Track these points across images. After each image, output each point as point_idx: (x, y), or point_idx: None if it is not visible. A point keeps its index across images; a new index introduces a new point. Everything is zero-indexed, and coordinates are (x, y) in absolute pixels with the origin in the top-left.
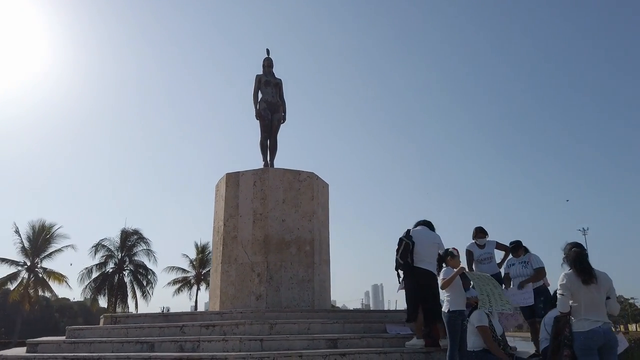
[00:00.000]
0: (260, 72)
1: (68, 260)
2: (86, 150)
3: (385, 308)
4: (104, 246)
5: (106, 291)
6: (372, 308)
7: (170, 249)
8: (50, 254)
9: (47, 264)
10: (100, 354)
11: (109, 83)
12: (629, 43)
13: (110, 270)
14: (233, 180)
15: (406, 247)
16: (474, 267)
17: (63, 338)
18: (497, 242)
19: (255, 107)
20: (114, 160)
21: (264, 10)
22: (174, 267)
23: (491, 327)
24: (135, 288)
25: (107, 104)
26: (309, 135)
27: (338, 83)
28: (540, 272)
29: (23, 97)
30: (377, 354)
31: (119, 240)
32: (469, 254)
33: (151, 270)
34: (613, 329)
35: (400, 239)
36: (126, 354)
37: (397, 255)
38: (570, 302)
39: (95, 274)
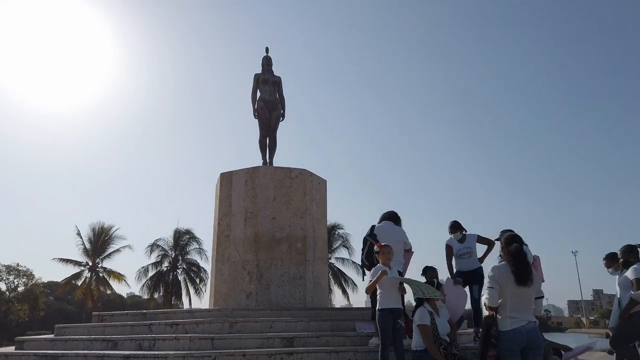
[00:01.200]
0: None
1: (126, 260)
2: (142, 153)
3: None
4: (158, 246)
5: (161, 289)
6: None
7: None
8: (110, 254)
9: (107, 263)
10: (66, 352)
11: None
12: None
13: (165, 268)
14: (227, 179)
15: (370, 248)
16: (453, 262)
17: (51, 336)
18: (478, 236)
19: (253, 106)
20: (168, 162)
21: (264, 9)
22: None
23: (434, 327)
24: (189, 285)
25: (161, 104)
26: (334, 134)
27: (351, 80)
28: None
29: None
30: (327, 353)
31: (172, 240)
32: (448, 249)
33: (203, 268)
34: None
35: (365, 238)
36: (85, 351)
37: (362, 255)
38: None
39: (151, 273)
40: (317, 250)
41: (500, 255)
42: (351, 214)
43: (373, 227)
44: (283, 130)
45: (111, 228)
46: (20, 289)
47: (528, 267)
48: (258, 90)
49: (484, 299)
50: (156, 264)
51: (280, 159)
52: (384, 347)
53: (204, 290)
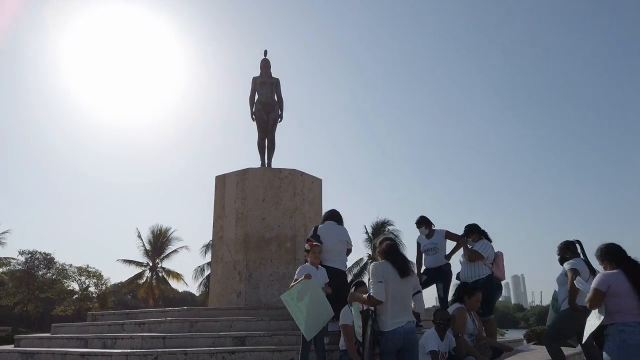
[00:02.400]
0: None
1: (183, 260)
2: (193, 157)
3: (529, 300)
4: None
5: None
6: (513, 301)
7: None
8: (168, 254)
9: (165, 263)
10: (41, 349)
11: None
12: None
13: None
14: (220, 182)
15: None
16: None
17: (48, 334)
18: (447, 232)
19: (251, 109)
20: (215, 167)
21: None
22: None
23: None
24: None
25: (220, 106)
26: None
27: (355, 81)
28: (475, 255)
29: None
30: (270, 352)
31: None
32: (418, 245)
33: None
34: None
35: (308, 239)
36: (57, 349)
37: (305, 257)
38: None
39: (207, 272)
40: None
41: (462, 256)
42: (403, 209)
43: (316, 227)
44: (303, 131)
45: (169, 230)
46: (91, 288)
47: (406, 259)
48: (256, 93)
49: (370, 292)
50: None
51: (296, 160)
52: (303, 347)
53: None
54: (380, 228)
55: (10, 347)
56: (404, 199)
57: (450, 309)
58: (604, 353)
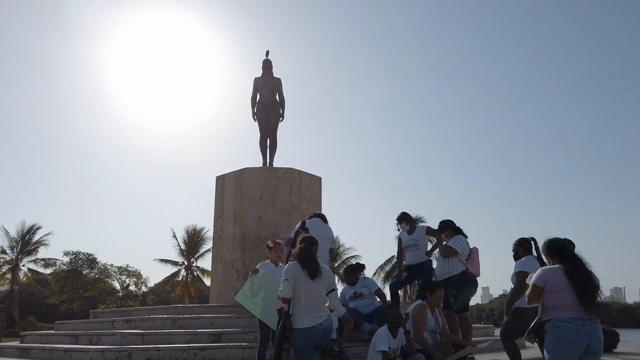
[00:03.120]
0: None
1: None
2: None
3: None
4: None
5: None
6: None
7: None
8: (202, 253)
9: (200, 262)
10: (34, 345)
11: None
12: None
13: None
14: (220, 182)
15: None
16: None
17: (51, 331)
18: (428, 227)
19: (252, 110)
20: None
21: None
22: None
23: None
24: None
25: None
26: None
27: (361, 80)
28: (448, 251)
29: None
30: (241, 348)
31: None
32: (399, 241)
33: None
34: None
35: (297, 231)
36: (47, 345)
37: (292, 247)
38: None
39: None
40: None
41: (437, 251)
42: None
43: (304, 222)
44: (323, 131)
45: (203, 230)
46: (131, 287)
47: (316, 262)
48: (258, 94)
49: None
50: None
51: (322, 159)
52: (260, 344)
53: None
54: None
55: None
56: (440, 195)
57: (412, 306)
58: (544, 349)
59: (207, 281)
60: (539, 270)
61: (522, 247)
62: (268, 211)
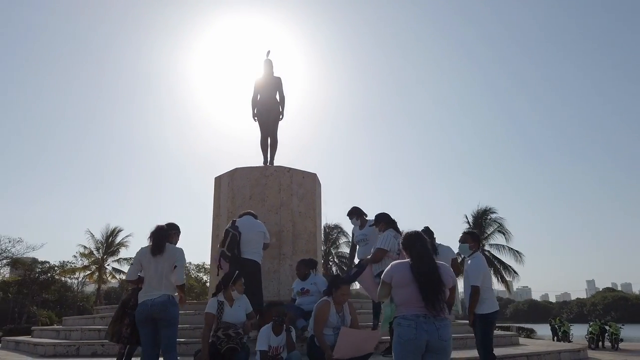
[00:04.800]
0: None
1: None
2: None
3: None
4: None
5: None
6: None
7: None
8: None
9: None
10: (28, 339)
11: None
12: None
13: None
14: (217, 183)
15: (233, 239)
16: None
17: (59, 327)
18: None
19: (253, 110)
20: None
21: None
22: None
23: (220, 315)
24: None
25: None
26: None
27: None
28: (377, 253)
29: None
30: (186, 345)
31: (323, 234)
32: (353, 236)
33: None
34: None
35: (227, 230)
36: (38, 339)
37: (222, 246)
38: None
39: None
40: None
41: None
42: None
43: (234, 220)
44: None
45: None
46: (208, 284)
47: (158, 243)
48: (258, 95)
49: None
50: None
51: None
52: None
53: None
54: (481, 217)
55: (28, 337)
56: (511, 185)
57: (318, 302)
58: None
59: None
60: (389, 266)
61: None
62: (257, 209)
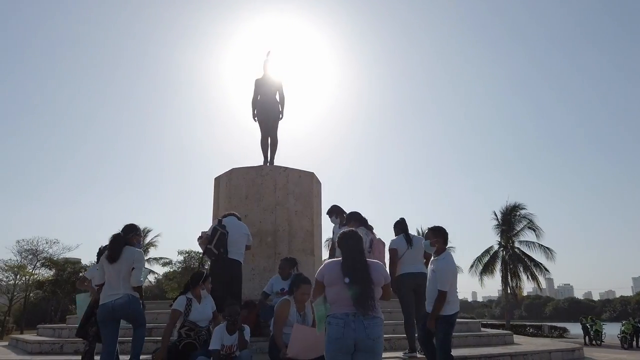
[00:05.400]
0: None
1: None
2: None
3: None
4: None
5: None
6: None
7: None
8: None
9: None
10: (27, 337)
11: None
12: None
13: None
14: (217, 183)
15: (221, 237)
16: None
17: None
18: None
19: (253, 111)
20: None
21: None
22: None
23: (187, 312)
24: None
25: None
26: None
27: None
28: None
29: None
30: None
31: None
32: (333, 234)
33: None
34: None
35: (215, 228)
36: (30, 337)
37: (209, 245)
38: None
39: None
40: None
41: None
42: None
43: (220, 220)
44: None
45: None
46: None
47: (114, 249)
48: (259, 95)
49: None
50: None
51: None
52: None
53: None
54: (510, 213)
55: (32, 335)
56: (541, 181)
57: (279, 301)
58: None
59: None
60: (322, 265)
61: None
62: (253, 209)
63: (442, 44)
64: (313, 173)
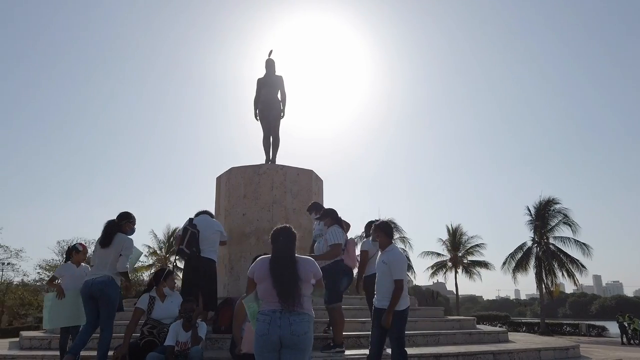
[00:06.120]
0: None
1: None
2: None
3: None
4: (363, 238)
5: None
6: None
7: (427, 234)
8: None
9: None
10: (28, 334)
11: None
12: None
13: None
14: (218, 182)
15: (192, 237)
16: None
17: None
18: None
19: (255, 110)
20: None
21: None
22: (429, 251)
23: (150, 310)
24: None
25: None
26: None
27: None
28: (333, 250)
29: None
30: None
31: None
32: (314, 231)
33: (406, 257)
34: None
35: (185, 227)
36: (27, 333)
37: (181, 244)
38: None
39: None
40: None
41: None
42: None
43: (191, 219)
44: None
45: None
46: None
47: (106, 235)
48: (261, 94)
49: None
50: None
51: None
52: (62, 333)
53: (413, 279)
54: (544, 208)
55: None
56: (576, 176)
57: (240, 298)
58: None
59: None
60: (255, 260)
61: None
62: (251, 208)
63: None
64: (312, 170)
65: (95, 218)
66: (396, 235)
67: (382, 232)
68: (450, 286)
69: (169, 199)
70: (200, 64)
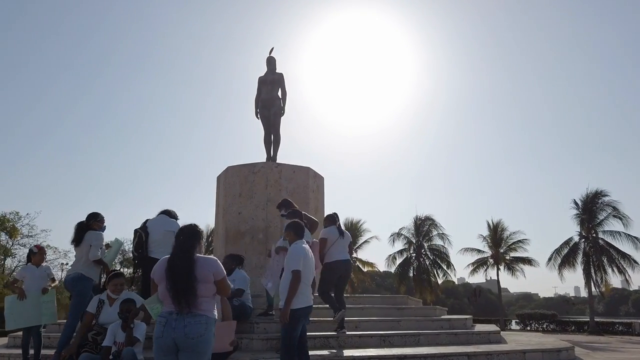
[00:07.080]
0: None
1: (374, 250)
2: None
3: None
4: (400, 234)
5: (413, 273)
6: None
7: (466, 231)
8: (360, 245)
9: (359, 254)
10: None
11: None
12: None
13: (411, 255)
14: (218, 181)
15: (140, 239)
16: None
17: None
18: (303, 214)
19: (255, 108)
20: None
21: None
22: (469, 248)
23: (98, 314)
24: (436, 270)
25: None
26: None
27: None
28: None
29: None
30: None
31: (413, 228)
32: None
33: (444, 253)
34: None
35: (135, 230)
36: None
37: (132, 247)
38: None
39: (399, 260)
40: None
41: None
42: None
43: (146, 220)
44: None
45: (359, 222)
46: None
47: (80, 233)
48: (261, 92)
49: None
50: (402, 252)
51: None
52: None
53: (453, 275)
54: (592, 201)
55: None
56: (626, 166)
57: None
58: None
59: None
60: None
61: (328, 220)
62: (246, 206)
63: (524, 37)
64: (309, 168)
65: (138, 216)
66: (434, 232)
67: (293, 230)
68: (504, 283)
69: (173, 200)
70: (245, 63)
